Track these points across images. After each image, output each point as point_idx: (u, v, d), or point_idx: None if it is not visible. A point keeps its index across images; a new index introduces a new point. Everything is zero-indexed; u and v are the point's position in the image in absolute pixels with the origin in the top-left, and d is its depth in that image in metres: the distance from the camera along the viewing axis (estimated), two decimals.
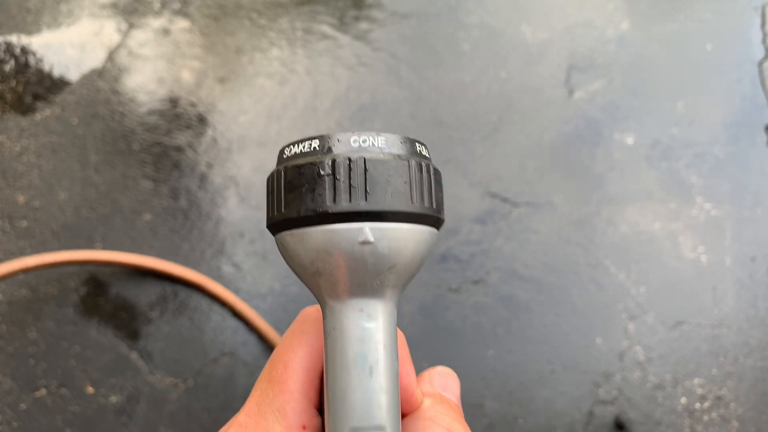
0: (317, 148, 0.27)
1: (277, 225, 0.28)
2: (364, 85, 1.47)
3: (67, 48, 1.51)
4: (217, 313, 1.29)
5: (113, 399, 1.27)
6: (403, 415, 0.33)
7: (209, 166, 1.42)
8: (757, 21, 1.53)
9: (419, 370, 1.14)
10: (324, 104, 1.46)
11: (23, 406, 1.26)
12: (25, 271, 1.17)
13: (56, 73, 1.49)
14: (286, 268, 1.32)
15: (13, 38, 1.52)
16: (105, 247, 1.31)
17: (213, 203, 1.37)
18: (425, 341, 1.27)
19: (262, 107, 1.46)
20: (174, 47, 1.52)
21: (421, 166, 0.29)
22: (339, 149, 0.26)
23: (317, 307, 0.33)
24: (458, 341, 1.28)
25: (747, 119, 1.44)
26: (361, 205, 0.26)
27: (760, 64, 1.48)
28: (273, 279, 1.32)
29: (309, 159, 0.26)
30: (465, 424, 0.34)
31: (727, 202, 1.37)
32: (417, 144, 0.32)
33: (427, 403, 0.34)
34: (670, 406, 1.26)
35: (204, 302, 1.28)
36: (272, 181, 0.29)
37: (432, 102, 1.46)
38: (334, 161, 0.26)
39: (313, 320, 0.32)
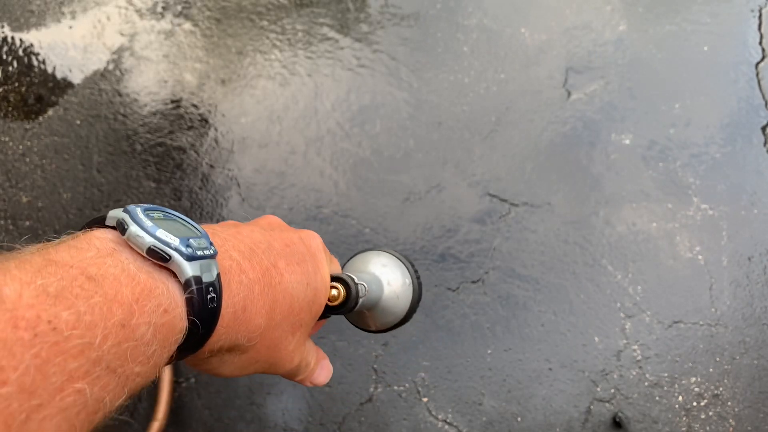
0: None
1: None
2: (365, 86, 1.49)
3: (70, 50, 1.52)
4: None
5: None
6: None
7: (211, 166, 1.44)
8: (754, 23, 1.54)
9: (419, 370, 1.14)
10: (325, 105, 1.47)
11: None
12: None
13: (59, 74, 1.50)
14: None
15: (17, 40, 1.54)
16: None
17: (215, 203, 1.38)
18: (424, 340, 1.28)
19: (263, 108, 1.47)
20: (176, 49, 1.53)
21: None
22: None
23: None
24: (457, 340, 1.29)
25: (743, 120, 1.45)
26: None
27: (757, 65, 1.50)
28: None
29: None
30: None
31: (723, 203, 1.39)
32: None
33: None
34: (668, 404, 1.27)
35: None
36: None
37: (431, 103, 1.47)
38: None
39: None
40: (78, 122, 1.46)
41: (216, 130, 1.46)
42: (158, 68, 1.51)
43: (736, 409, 1.27)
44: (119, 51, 1.52)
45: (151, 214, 0.27)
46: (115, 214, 0.27)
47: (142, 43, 1.53)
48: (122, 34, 1.54)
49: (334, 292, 0.38)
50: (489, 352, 1.28)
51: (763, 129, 1.44)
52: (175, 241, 0.26)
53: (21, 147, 1.44)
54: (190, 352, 0.28)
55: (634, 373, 1.28)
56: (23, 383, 0.19)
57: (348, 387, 1.27)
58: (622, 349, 1.29)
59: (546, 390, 1.26)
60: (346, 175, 1.40)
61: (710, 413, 1.26)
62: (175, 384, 1.27)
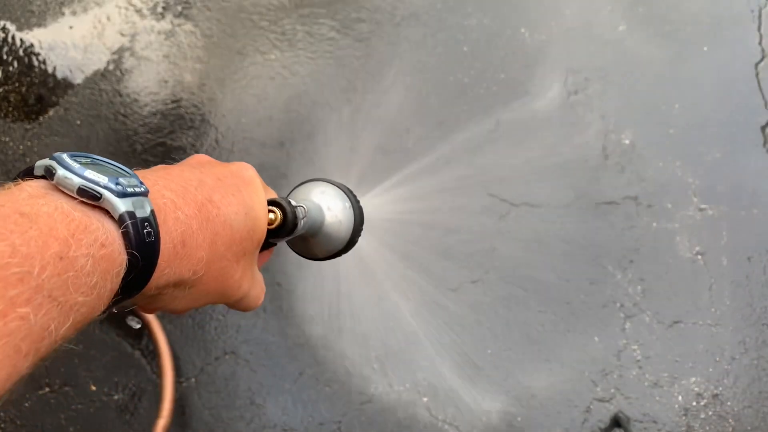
0: None
1: None
2: (365, 86, 1.49)
3: (70, 50, 1.52)
4: (219, 312, 1.31)
5: (116, 397, 1.28)
6: None
7: None
8: (754, 23, 1.54)
9: (419, 370, 1.14)
10: (325, 106, 1.47)
11: (27, 404, 1.27)
12: None
13: (60, 74, 1.51)
14: (288, 265, 1.34)
15: (17, 40, 1.54)
16: None
17: None
18: (425, 340, 1.29)
19: (264, 108, 1.47)
20: (177, 49, 1.53)
21: None
22: None
23: None
24: (457, 340, 1.29)
25: (743, 120, 1.45)
26: None
27: (757, 65, 1.50)
28: (275, 276, 1.33)
29: None
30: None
31: (723, 203, 1.39)
32: None
33: None
34: (668, 404, 1.27)
35: None
36: None
37: (432, 103, 1.47)
38: None
39: None
40: (78, 122, 1.46)
41: (216, 130, 1.46)
42: (158, 68, 1.51)
43: (736, 409, 1.27)
44: (119, 51, 1.52)
45: (79, 159, 0.28)
46: (43, 162, 0.28)
47: (143, 44, 1.53)
48: (122, 35, 1.54)
49: (271, 215, 0.39)
50: (489, 352, 1.29)
51: (763, 129, 1.44)
52: (104, 180, 0.27)
53: (21, 147, 1.44)
54: (136, 289, 0.29)
55: (634, 373, 1.28)
56: None
57: (348, 387, 1.27)
58: (622, 349, 1.29)
59: (546, 390, 1.27)
60: (346, 177, 1.40)
61: (710, 413, 1.26)
62: (176, 384, 1.27)
